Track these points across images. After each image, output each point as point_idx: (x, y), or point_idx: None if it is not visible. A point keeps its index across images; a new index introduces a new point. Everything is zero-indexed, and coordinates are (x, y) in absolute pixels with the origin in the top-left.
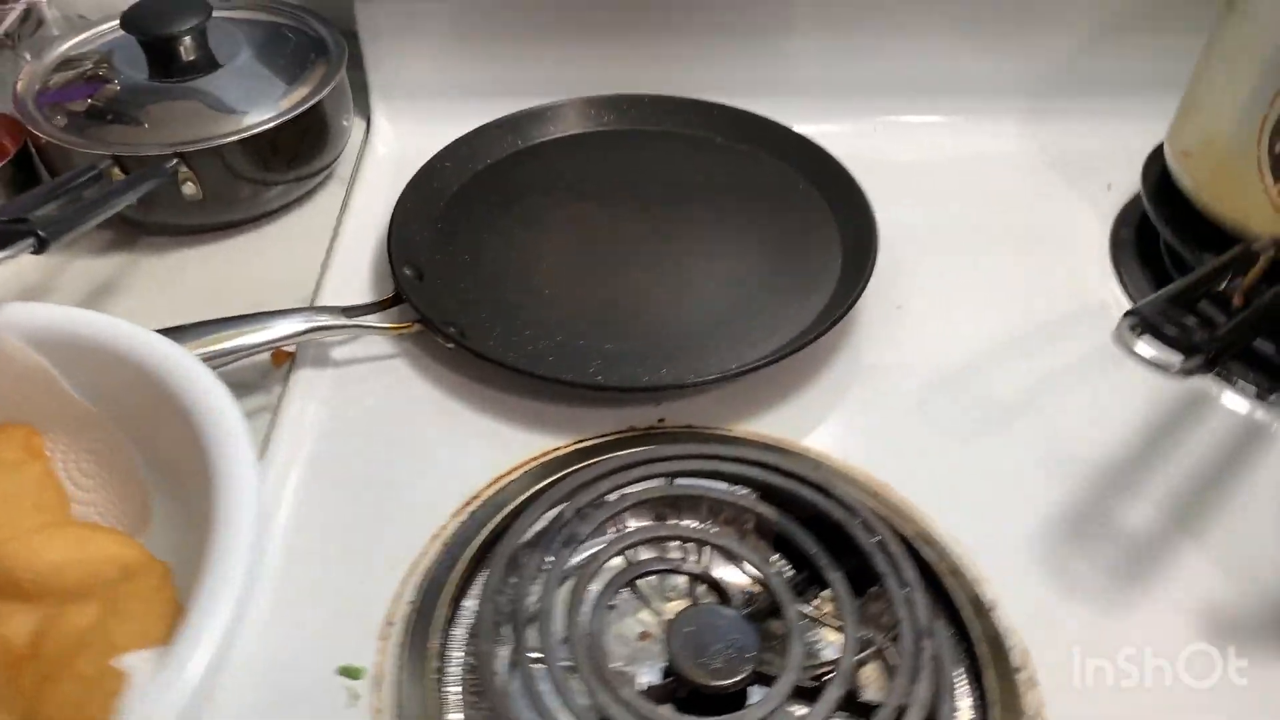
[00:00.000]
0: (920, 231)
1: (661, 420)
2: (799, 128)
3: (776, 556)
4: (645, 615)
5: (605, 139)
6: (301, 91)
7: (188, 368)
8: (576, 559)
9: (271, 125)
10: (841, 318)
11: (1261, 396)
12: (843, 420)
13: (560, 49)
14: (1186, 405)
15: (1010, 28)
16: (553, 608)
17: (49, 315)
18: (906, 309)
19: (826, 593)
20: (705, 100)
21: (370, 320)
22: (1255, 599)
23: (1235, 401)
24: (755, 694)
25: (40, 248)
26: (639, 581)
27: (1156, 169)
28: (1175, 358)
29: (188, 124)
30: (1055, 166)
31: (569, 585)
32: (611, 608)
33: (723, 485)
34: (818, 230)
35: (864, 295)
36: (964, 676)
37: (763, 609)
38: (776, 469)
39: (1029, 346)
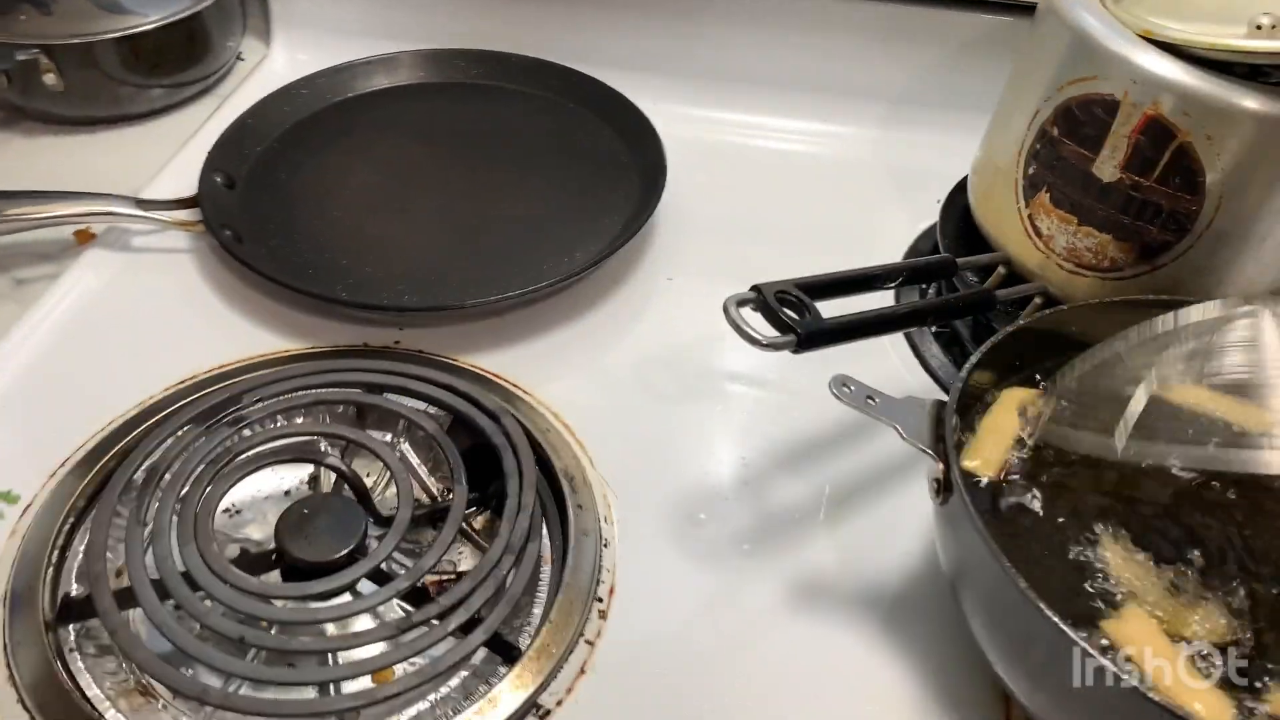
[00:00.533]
0: (725, 217)
1: (397, 342)
2: (658, 106)
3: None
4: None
5: (453, 90)
6: (184, 4)
7: None
8: (240, 435)
9: (136, 30)
10: (595, 265)
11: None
12: (562, 365)
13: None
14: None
15: (878, 37)
16: (186, 466)
17: None
18: (675, 283)
19: (485, 516)
20: (555, 63)
21: (160, 213)
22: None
23: None
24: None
25: None
26: (282, 467)
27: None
28: (769, 333)
29: (64, 18)
30: (895, 175)
31: (215, 453)
32: (247, 475)
33: (419, 404)
34: (615, 191)
35: (641, 263)
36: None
37: (422, 517)
38: (464, 395)
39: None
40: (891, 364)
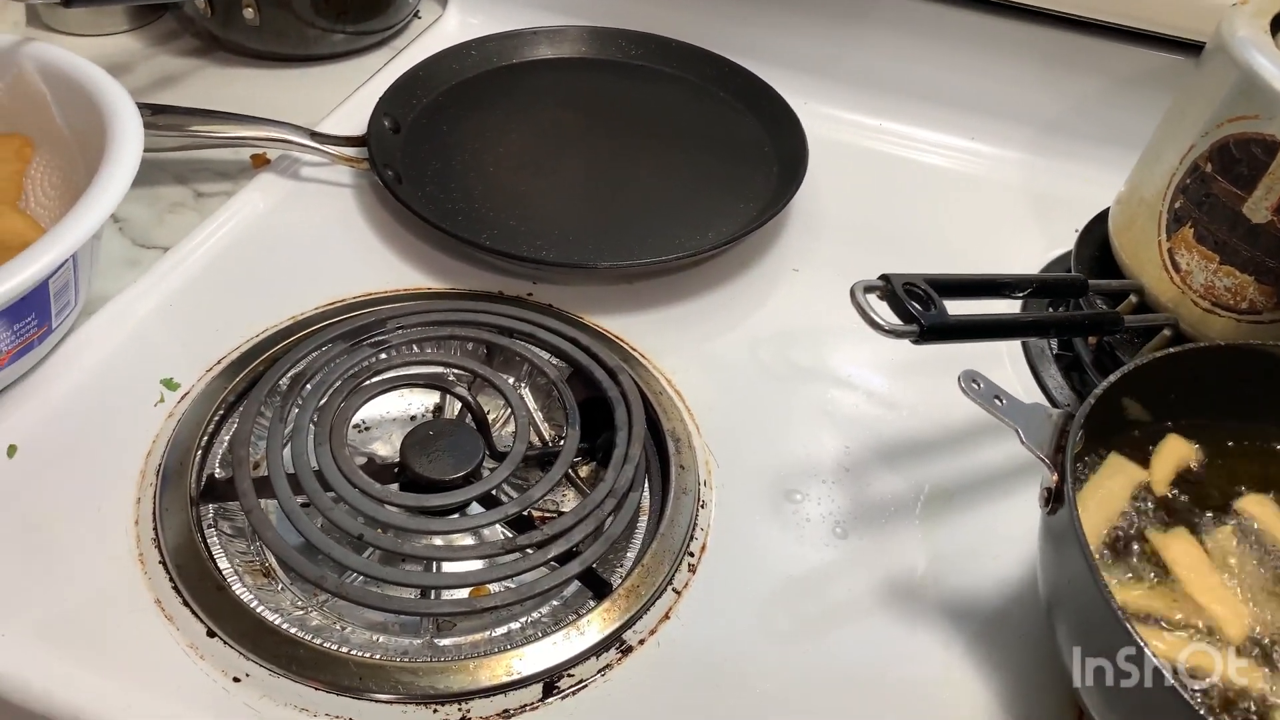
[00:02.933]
0: (859, 220)
1: (530, 294)
2: (808, 105)
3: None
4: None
5: (611, 67)
6: None
7: (129, 118)
8: (379, 357)
9: None
10: (726, 245)
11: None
12: (682, 337)
13: None
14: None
15: (1037, 61)
16: (327, 377)
17: (58, 56)
18: (801, 274)
19: (592, 467)
20: (712, 52)
21: (331, 148)
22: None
23: None
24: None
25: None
26: (411, 393)
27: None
28: (892, 321)
29: None
30: (1035, 200)
31: (355, 369)
32: (381, 394)
33: (544, 353)
34: (755, 177)
35: (770, 251)
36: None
37: (534, 458)
38: (586, 349)
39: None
40: (1007, 379)
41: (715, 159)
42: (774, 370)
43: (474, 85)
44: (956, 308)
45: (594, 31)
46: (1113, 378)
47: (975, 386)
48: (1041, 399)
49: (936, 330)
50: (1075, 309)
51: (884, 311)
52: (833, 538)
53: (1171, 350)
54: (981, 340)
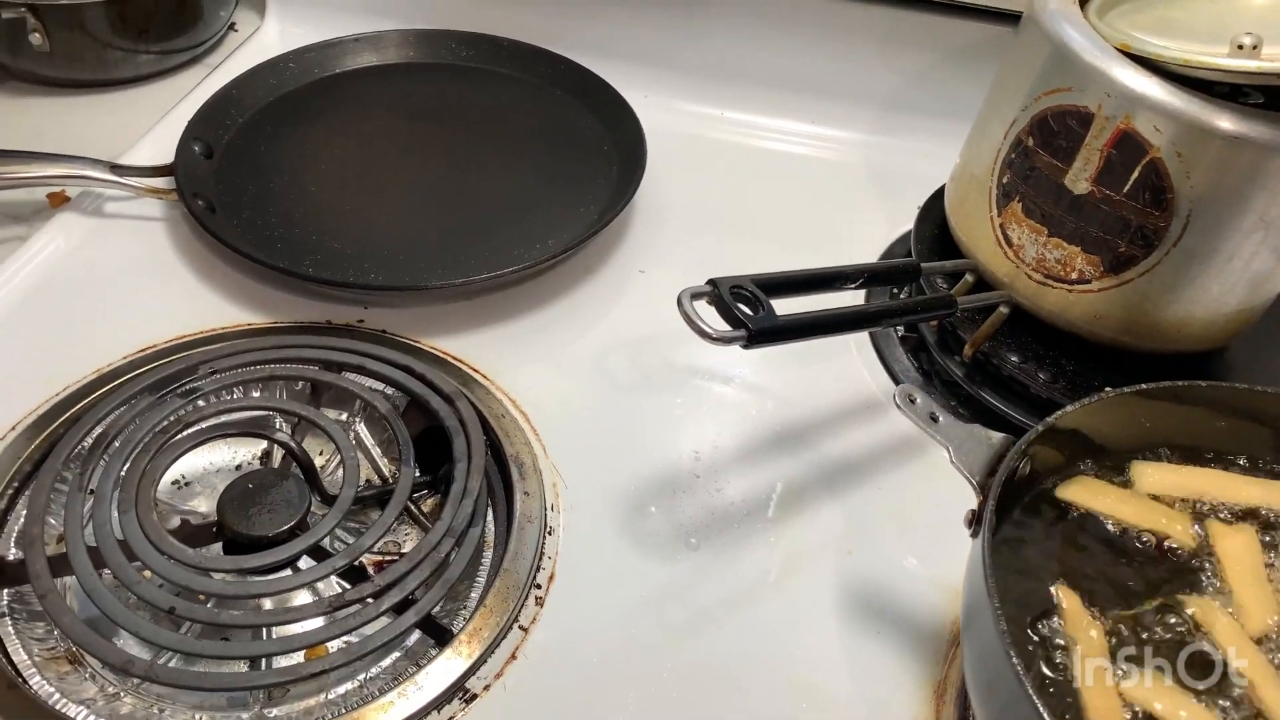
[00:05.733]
0: (705, 212)
1: (360, 321)
2: (648, 98)
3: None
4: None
5: (440, 70)
6: None
7: None
8: (192, 406)
9: None
10: (566, 253)
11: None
12: (527, 353)
13: None
14: (860, 417)
15: (869, 40)
16: (133, 435)
17: None
18: (648, 275)
19: (436, 499)
20: (544, 49)
21: (135, 180)
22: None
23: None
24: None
25: None
26: (237, 442)
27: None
28: (721, 327)
29: None
30: (878, 179)
31: (164, 423)
32: (195, 448)
33: (377, 384)
34: (595, 178)
35: (615, 253)
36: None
37: (371, 498)
38: (421, 377)
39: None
40: (854, 366)
41: (553, 161)
42: (622, 379)
43: (293, 100)
44: (793, 304)
45: (421, 35)
46: (1051, 419)
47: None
48: (888, 382)
49: (765, 333)
50: (919, 294)
51: (713, 318)
52: (685, 550)
53: (1117, 393)
54: (812, 338)
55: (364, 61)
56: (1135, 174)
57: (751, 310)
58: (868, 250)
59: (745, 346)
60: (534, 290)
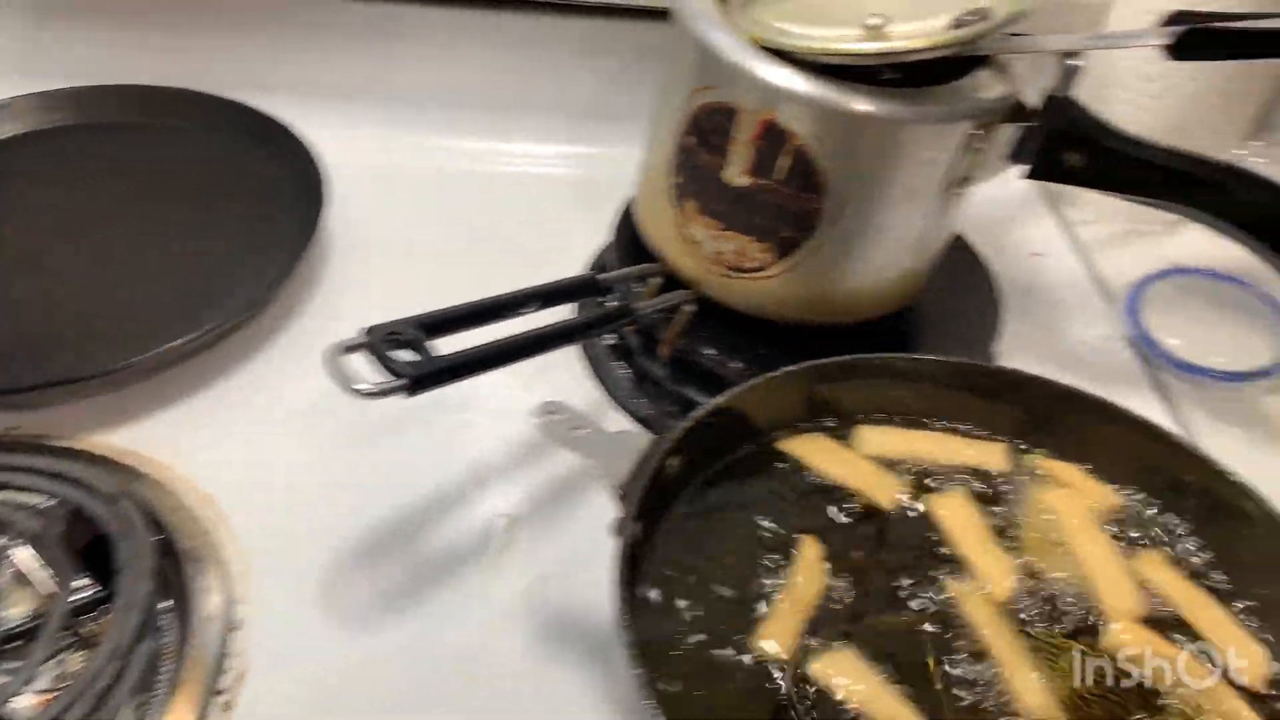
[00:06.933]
0: (405, 247)
1: (14, 428)
2: (333, 133)
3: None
4: None
5: (97, 131)
6: None
7: None
8: None
9: None
10: (245, 318)
11: None
12: (209, 431)
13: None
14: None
15: (556, 50)
16: None
17: None
18: (346, 322)
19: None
20: (206, 93)
21: None
22: None
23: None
24: None
25: None
26: None
27: None
28: (379, 378)
29: None
30: (579, 191)
31: None
32: None
33: (32, 500)
34: (278, 225)
35: (305, 309)
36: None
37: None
38: (78, 482)
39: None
40: (564, 384)
41: (231, 216)
42: (314, 443)
43: None
44: (475, 337)
45: (74, 94)
46: (716, 401)
47: (553, 419)
48: (604, 398)
49: (428, 378)
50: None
51: (369, 370)
52: (393, 615)
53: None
54: (483, 372)
55: (6, 130)
56: (785, 163)
57: (417, 354)
58: (576, 264)
59: (408, 395)
60: (217, 359)
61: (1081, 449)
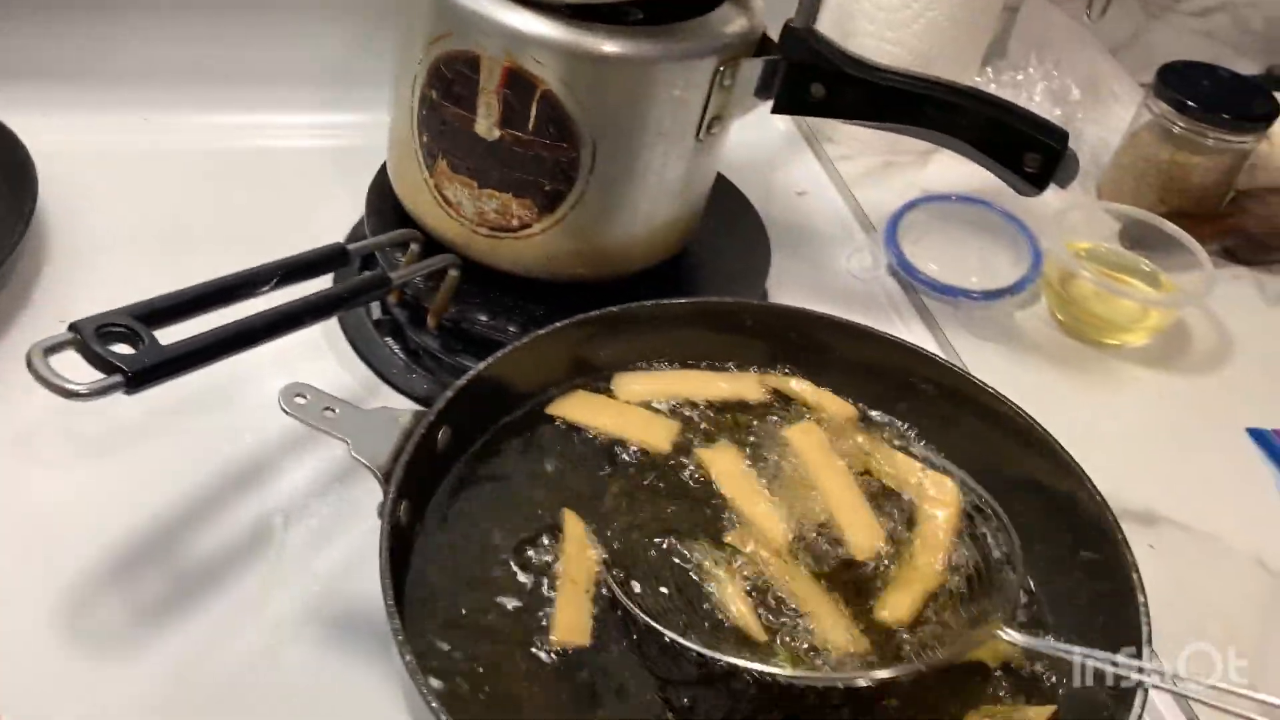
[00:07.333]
0: (143, 237)
1: None
2: (44, 119)
3: None
4: None
5: None
6: None
7: None
8: None
9: None
10: None
11: None
12: None
13: None
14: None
15: (292, 17)
16: None
17: None
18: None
19: None
20: None
21: None
22: None
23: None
24: None
25: None
26: None
27: None
28: (91, 377)
29: None
30: (335, 160)
31: None
32: None
33: None
34: None
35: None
36: None
37: None
38: None
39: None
40: (327, 370)
41: None
42: (49, 460)
43: None
44: (214, 324)
45: None
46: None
47: (300, 402)
48: (376, 379)
49: (149, 372)
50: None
51: (81, 369)
52: (155, 635)
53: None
54: (219, 359)
55: None
56: (533, 111)
57: (132, 347)
58: (337, 235)
59: (129, 391)
60: None
61: (821, 368)
